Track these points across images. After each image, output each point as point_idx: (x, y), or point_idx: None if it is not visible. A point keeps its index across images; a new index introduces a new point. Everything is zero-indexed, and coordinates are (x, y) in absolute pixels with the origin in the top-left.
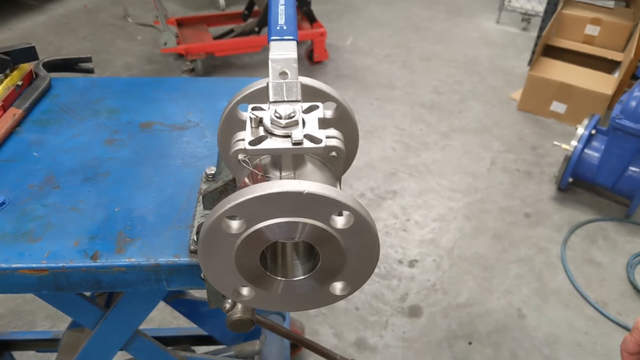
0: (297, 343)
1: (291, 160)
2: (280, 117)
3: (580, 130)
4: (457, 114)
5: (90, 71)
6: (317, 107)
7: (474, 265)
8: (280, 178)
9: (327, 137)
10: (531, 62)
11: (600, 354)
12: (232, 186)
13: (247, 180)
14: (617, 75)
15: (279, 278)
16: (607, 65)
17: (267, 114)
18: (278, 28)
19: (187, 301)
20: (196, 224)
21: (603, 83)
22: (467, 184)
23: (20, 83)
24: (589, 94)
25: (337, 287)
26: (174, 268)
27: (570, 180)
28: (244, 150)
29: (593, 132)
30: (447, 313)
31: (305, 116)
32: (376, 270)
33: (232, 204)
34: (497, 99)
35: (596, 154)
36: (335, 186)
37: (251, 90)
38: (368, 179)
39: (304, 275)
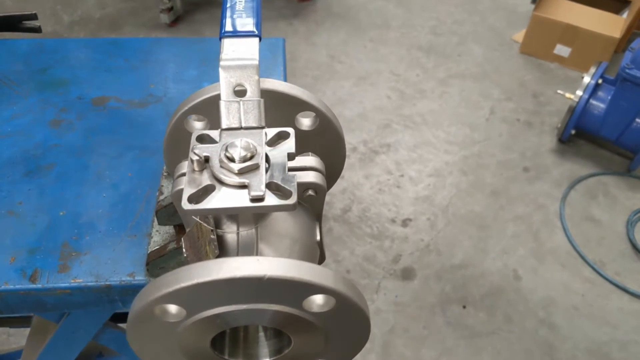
0: None
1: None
2: (232, 160)
3: (587, 79)
4: (456, 58)
5: (36, 30)
6: (288, 135)
7: (470, 224)
8: (238, 234)
9: (302, 169)
10: (535, 1)
11: (597, 317)
12: None
13: (188, 236)
14: (625, 15)
15: None
16: (615, 5)
17: (216, 150)
18: (235, 16)
19: None
20: (154, 233)
21: (611, 24)
22: (464, 135)
23: None
24: (596, 37)
25: None
26: (128, 289)
27: (573, 132)
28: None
29: (599, 81)
30: (441, 275)
31: (271, 152)
32: (368, 230)
33: (163, 292)
34: (498, 41)
35: (602, 105)
36: (313, 233)
37: (203, 99)
38: (361, 132)
39: (270, 358)
